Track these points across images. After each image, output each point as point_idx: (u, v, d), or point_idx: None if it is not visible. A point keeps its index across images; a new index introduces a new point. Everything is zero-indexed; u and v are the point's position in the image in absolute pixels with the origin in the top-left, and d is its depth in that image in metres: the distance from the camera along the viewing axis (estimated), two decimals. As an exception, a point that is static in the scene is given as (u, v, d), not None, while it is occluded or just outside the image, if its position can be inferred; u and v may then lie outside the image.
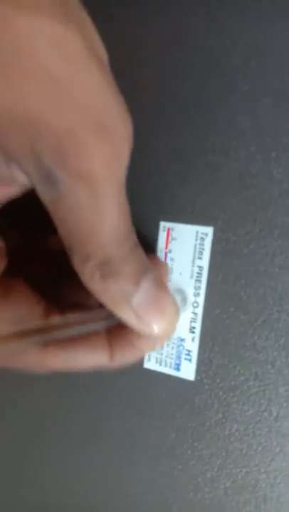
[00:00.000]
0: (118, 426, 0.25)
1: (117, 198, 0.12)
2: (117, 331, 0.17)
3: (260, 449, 0.22)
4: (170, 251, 0.23)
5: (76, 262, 0.14)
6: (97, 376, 0.25)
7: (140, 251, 0.15)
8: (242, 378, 0.22)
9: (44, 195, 0.12)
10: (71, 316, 0.15)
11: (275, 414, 0.21)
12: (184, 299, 0.20)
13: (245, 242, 0.21)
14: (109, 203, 0.12)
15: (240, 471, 0.22)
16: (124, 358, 0.17)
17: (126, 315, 0.15)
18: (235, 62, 0.21)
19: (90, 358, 0.16)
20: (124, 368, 0.24)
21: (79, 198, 0.12)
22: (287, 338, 0.21)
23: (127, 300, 0.14)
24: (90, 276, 0.14)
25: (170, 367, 0.23)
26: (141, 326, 0.15)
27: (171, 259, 0.23)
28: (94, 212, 0.12)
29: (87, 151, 0.11)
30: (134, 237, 0.14)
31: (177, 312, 0.16)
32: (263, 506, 0.22)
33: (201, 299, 0.22)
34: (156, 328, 0.15)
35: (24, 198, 0.15)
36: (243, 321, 0.21)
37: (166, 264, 0.20)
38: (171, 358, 0.23)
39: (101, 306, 0.15)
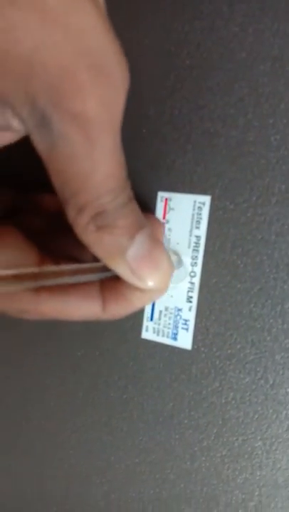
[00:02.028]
0: (115, 396, 0.25)
1: (111, 143, 0.12)
2: (110, 283, 0.17)
3: (256, 416, 0.22)
4: (168, 221, 0.23)
5: (71, 214, 0.14)
6: (94, 346, 0.25)
7: (135, 205, 0.15)
8: (238, 346, 0.22)
9: (39, 143, 0.12)
10: (65, 266, 0.15)
11: (271, 381, 0.21)
12: (180, 261, 0.20)
13: (243, 210, 0.21)
14: (104, 149, 0.12)
15: (237, 439, 0.22)
16: (116, 310, 0.17)
17: (120, 268, 0.15)
18: (233, 29, 0.21)
19: (83, 307, 0.17)
20: (122, 339, 0.25)
21: (73, 143, 0.12)
22: (283, 306, 0.21)
23: (122, 253, 0.14)
24: (84, 228, 0.14)
25: (167, 336, 0.23)
26: (134, 280, 0.15)
27: (169, 230, 0.23)
28: (88, 158, 0.12)
29: (82, 91, 0.11)
30: (129, 190, 0.14)
31: (171, 268, 0.16)
32: (258, 473, 0.22)
33: (198, 269, 0.22)
34: (149, 282, 0.15)
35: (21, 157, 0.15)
36: (239, 290, 0.22)
37: (161, 222, 0.20)
38: (169, 328, 0.23)
39: (96, 259, 0.15)
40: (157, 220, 0.20)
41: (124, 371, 0.25)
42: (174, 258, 0.20)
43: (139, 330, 0.24)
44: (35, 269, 0.14)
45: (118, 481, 0.26)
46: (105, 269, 0.15)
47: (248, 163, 0.21)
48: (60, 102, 0.11)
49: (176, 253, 0.21)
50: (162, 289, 0.16)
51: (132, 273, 0.15)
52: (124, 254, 0.14)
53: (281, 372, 0.21)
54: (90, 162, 0.12)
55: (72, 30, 0.11)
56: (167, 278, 0.16)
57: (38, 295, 0.16)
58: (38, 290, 0.16)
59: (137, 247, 0.14)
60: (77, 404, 0.26)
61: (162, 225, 0.19)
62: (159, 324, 0.24)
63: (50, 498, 0.28)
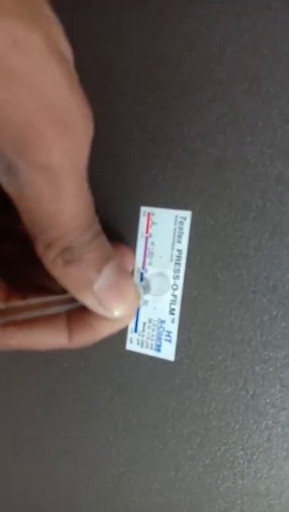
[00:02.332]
0: (100, 406, 0.25)
1: (76, 188, 0.13)
2: (77, 313, 0.18)
3: (237, 426, 0.22)
4: (150, 235, 0.23)
5: (39, 249, 0.14)
6: (79, 358, 0.26)
7: (103, 239, 0.15)
8: (220, 358, 0.22)
9: (7, 186, 0.13)
10: (32, 300, 0.16)
11: (251, 392, 0.22)
12: (148, 286, 0.21)
13: (222, 225, 0.22)
14: (69, 193, 0.13)
15: (219, 449, 0.23)
16: (82, 339, 0.18)
17: (87, 300, 0.15)
18: (212, 50, 0.21)
19: (49, 339, 0.17)
20: (107, 350, 0.25)
21: (39, 188, 0.12)
22: (262, 318, 0.21)
23: (89, 286, 0.15)
24: (52, 262, 0.14)
25: (151, 348, 0.24)
26: (101, 310, 0.16)
27: (152, 244, 0.23)
28: (54, 201, 0.13)
29: (47, 145, 0.12)
30: (96, 226, 0.15)
31: (137, 297, 0.17)
32: (240, 482, 0.23)
33: (180, 282, 0.23)
34: (116, 312, 0.16)
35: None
36: (220, 302, 0.22)
37: (130, 251, 0.20)
38: (152, 340, 0.24)
39: (64, 290, 0.15)
40: (126, 250, 0.20)
41: (109, 382, 0.25)
42: (140, 285, 0.20)
43: (123, 341, 0.25)
44: (2, 305, 0.15)
45: (103, 490, 0.26)
46: (73, 300, 0.16)
47: (226, 180, 0.21)
48: (26, 153, 0.12)
49: (162, 275, 0.21)
50: (128, 318, 0.17)
51: (98, 304, 0.15)
52: (91, 286, 0.15)
53: (261, 383, 0.22)
54: (57, 204, 0.13)
55: (37, 87, 0.11)
56: (133, 307, 0.17)
57: (4, 329, 0.16)
58: (5, 324, 0.16)
59: (103, 280, 0.15)
60: (62, 415, 0.27)
61: (130, 252, 0.20)
62: (143, 336, 0.24)
63: (35, 508, 0.28)
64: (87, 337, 0.18)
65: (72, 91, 0.12)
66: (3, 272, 0.18)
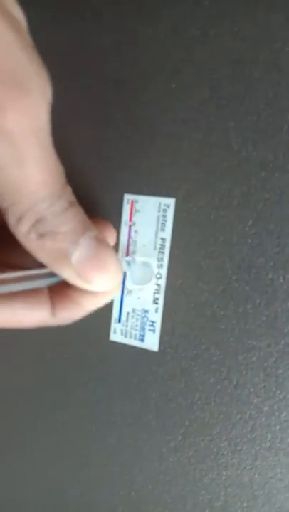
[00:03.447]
0: (84, 397, 0.25)
1: (40, 153, 0.13)
2: (59, 288, 0.17)
3: (221, 417, 0.22)
4: (134, 223, 0.23)
5: (11, 222, 0.14)
6: (63, 349, 0.25)
7: (78, 209, 0.15)
8: (203, 347, 0.22)
9: None
10: (11, 274, 0.15)
11: (235, 382, 0.22)
12: (133, 260, 0.20)
13: (206, 212, 0.21)
14: (32, 158, 0.12)
15: (203, 440, 0.23)
16: (66, 314, 0.17)
17: (65, 273, 0.15)
18: (194, 33, 0.21)
19: (31, 315, 0.17)
20: (91, 341, 0.25)
21: (1, 155, 0.12)
22: (245, 307, 0.21)
23: (66, 258, 0.14)
24: (25, 235, 0.14)
25: (135, 338, 0.24)
26: (82, 283, 0.15)
27: (135, 232, 0.23)
28: (17, 169, 0.12)
29: (1, 108, 0.11)
30: (68, 195, 0.14)
31: (119, 268, 0.16)
32: (224, 473, 0.22)
33: (164, 271, 0.22)
34: (96, 284, 0.15)
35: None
36: (203, 291, 0.22)
37: (110, 224, 0.20)
38: (136, 330, 0.23)
39: (42, 265, 0.15)
40: (107, 224, 0.20)
41: (92, 373, 0.25)
42: (124, 260, 0.20)
43: (107, 332, 0.24)
44: None
45: (87, 482, 0.26)
46: (52, 274, 0.15)
47: (210, 166, 0.21)
48: None
49: (146, 264, 0.21)
50: (112, 291, 0.16)
51: (78, 277, 0.15)
52: (68, 258, 0.14)
53: (244, 372, 0.21)
54: (21, 172, 0.12)
55: None
56: (116, 279, 0.16)
57: None
58: None
59: (81, 251, 0.14)
60: (46, 406, 0.26)
61: (111, 227, 0.19)
62: (126, 326, 0.24)
63: (19, 501, 0.28)
64: (70, 312, 0.17)
65: (24, 53, 0.12)
66: None
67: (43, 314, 0.17)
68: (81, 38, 0.23)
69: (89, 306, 0.17)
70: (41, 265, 0.15)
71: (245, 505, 0.22)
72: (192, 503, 0.23)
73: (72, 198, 0.14)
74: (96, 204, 0.24)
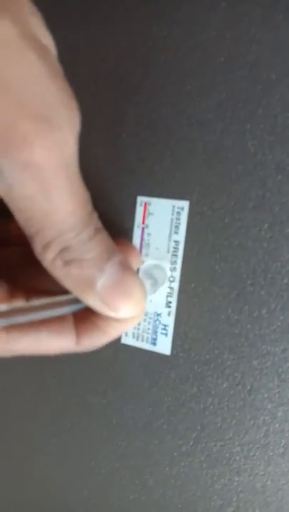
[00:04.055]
0: (95, 401, 0.25)
1: (67, 184, 0.12)
2: (84, 315, 0.17)
3: (234, 422, 0.22)
4: (147, 226, 0.23)
5: (37, 250, 0.14)
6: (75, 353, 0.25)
7: (103, 236, 0.14)
8: (216, 352, 0.22)
9: None
10: (36, 301, 0.15)
11: (248, 387, 0.21)
12: (156, 283, 0.20)
13: (220, 215, 0.21)
14: (59, 190, 0.12)
15: (215, 445, 0.22)
16: (90, 342, 0.17)
17: (91, 300, 0.14)
18: (211, 34, 0.21)
19: (56, 343, 0.16)
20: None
21: (28, 188, 0.12)
22: (260, 311, 0.21)
23: (91, 285, 0.14)
24: (51, 263, 0.14)
25: (147, 342, 0.23)
26: (107, 310, 0.15)
27: (148, 234, 0.23)
28: (45, 199, 0.12)
29: (28, 142, 0.11)
30: (95, 223, 0.14)
31: (144, 294, 0.16)
32: (236, 479, 0.22)
33: (177, 274, 0.22)
34: (122, 311, 0.15)
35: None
36: (217, 295, 0.21)
37: (134, 247, 0.20)
38: (148, 333, 0.23)
39: (67, 291, 0.15)
40: (131, 246, 0.19)
41: (104, 376, 0.25)
42: (148, 283, 0.19)
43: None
44: (4, 307, 0.14)
45: (97, 486, 0.25)
46: (77, 301, 0.15)
47: (225, 169, 0.21)
48: (8, 152, 0.11)
49: (151, 277, 0.20)
50: (137, 317, 0.16)
51: (103, 304, 0.15)
52: (93, 286, 0.14)
53: (258, 377, 0.21)
54: (48, 203, 0.12)
55: (14, 82, 0.11)
56: (141, 305, 0.16)
57: (7, 333, 0.15)
58: (8, 328, 0.15)
59: (106, 278, 0.14)
60: (57, 409, 0.26)
61: (134, 249, 0.19)
62: (138, 329, 0.24)
63: (29, 504, 0.28)
64: (95, 339, 0.17)
65: (53, 83, 0.11)
66: (5, 276, 0.17)
67: (68, 342, 0.16)
68: (93, 41, 0.23)
69: (114, 332, 0.17)
70: (67, 291, 0.15)
71: (257, 511, 0.22)
72: (203, 509, 0.23)
73: (99, 225, 0.14)
74: (109, 206, 0.24)
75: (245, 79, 0.20)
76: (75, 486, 0.26)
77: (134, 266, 0.19)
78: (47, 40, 0.12)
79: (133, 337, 0.24)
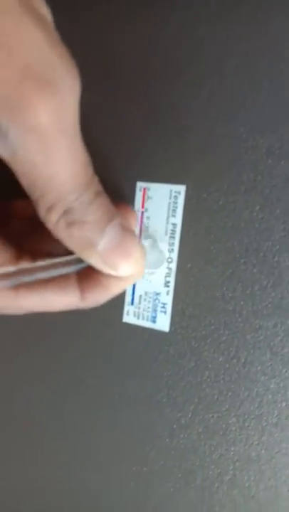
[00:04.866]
0: (98, 378, 0.26)
1: (69, 147, 0.13)
2: (87, 273, 0.18)
3: (229, 394, 0.23)
4: (146, 210, 0.24)
5: (41, 212, 0.15)
6: (78, 331, 0.27)
7: (104, 199, 0.15)
8: (212, 327, 0.23)
9: (1, 152, 0.13)
10: (41, 262, 0.16)
11: (242, 360, 0.23)
12: (155, 243, 0.21)
13: (215, 198, 0.22)
14: (62, 152, 0.13)
15: (212, 416, 0.24)
16: (94, 297, 0.18)
17: (92, 260, 0.16)
18: (202, 27, 0.22)
19: (61, 299, 0.18)
20: (104, 323, 0.26)
21: (31, 150, 0.12)
22: (253, 288, 0.22)
23: (93, 246, 0.15)
24: (55, 225, 0.15)
25: (147, 320, 0.25)
26: (108, 269, 0.16)
27: (148, 218, 0.24)
28: (48, 163, 0.13)
29: (32, 105, 0.12)
30: (95, 186, 0.15)
31: (142, 254, 0.17)
32: (232, 448, 0.23)
33: (174, 255, 0.24)
34: (122, 270, 0.16)
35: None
36: (212, 274, 0.23)
37: (132, 209, 0.21)
38: (148, 311, 0.25)
39: (70, 253, 0.16)
40: (129, 209, 0.21)
41: (106, 354, 0.26)
42: (147, 242, 0.21)
43: (120, 314, 0.25)
44: (12, 268, 0.15)
45: (101, 459, 0.27)
46: (80, 260, 0.16)
47: (219, 154, 0.22)
48: (13, 115, 0.12)
49: (150, 236, 0.22)
50: (136, 275, 0.17)
51: (104, 263, 0.16)
52: (95, 246, 0.15)
53: (252, 351, 0.22)
54: (51, 166, 0.13)
55: (16, 47, 0.11)
56: (140, 264, 0.17)
57: (16, 291, 0.17)
58: (17, 286, 0.17)
59: (107, 239, 0.15)
60: (59, 388, 0.28)
61: (133, 212, 0.20)
62: (139, 308, 0.25)
63: (33, 481, 0.29)
64: (98, 295, 0.18)
65: (53, 48, 0.12)
66: (12, 242, 0.18)
67: (73, 298, 0.18)
68: (95, 35, 0.25)
69: (115, 289, 0.18)
70: (70, 252, 0.16)
71: (252, 478, 0.23)
72: (202, 478, 0.24)
73: (99, 188, 0.15)
74: (110, 191, 0.25)
75: (235, 68, 0.21)
76: (79, 460, 0.27)
77: (132, 226, 0.20)
78: (44, 9, 0.13)
79: (134, 315, 0.25)
